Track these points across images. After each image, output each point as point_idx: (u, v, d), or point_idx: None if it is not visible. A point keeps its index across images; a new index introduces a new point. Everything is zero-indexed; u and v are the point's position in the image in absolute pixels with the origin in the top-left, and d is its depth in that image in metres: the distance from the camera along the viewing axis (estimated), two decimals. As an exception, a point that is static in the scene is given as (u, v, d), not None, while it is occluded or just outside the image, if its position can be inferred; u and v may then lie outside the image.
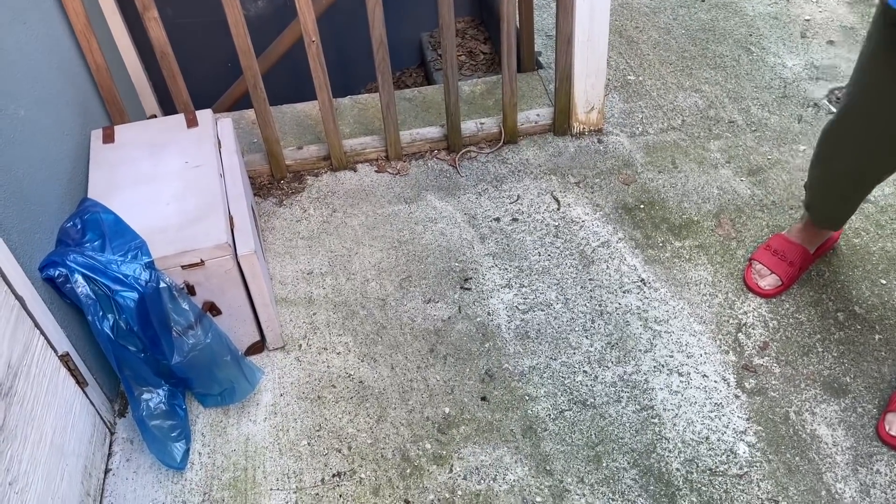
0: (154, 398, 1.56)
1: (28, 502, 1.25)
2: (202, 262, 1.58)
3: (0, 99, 1.46)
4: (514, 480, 1.55)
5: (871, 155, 1.58)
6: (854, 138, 1.59)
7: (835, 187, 1.73)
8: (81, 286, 1.45)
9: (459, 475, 1.57)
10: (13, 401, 1.26)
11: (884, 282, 1.89)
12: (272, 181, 2.27)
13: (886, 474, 1.53)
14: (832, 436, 1.60)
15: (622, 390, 1.70)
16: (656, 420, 1.64)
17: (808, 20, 2.84)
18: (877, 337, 1.78)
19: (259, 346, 1.79)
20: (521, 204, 2.16)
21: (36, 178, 1.53)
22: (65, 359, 1.47)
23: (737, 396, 1.67)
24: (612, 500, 1.51)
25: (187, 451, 1.59)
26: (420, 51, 3.49)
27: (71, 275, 1.44)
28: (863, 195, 1.71)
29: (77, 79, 1.90)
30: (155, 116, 2.52)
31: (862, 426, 1.61)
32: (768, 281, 1.87)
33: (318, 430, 1.65)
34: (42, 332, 1.40)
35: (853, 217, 2.01)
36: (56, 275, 1.44)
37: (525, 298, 1.90)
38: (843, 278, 1.91)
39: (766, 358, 1.75)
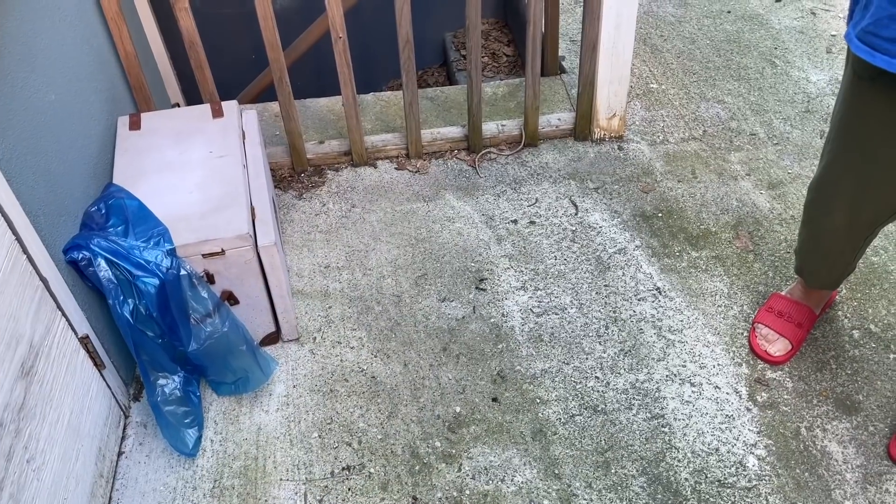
0: (169, 384, 1.58)
1: (44, 480, 1.27)
2: (223, 251, 1.59)
3: (33, 82, 1.48)
4: (522, 482, 1.56)
5: (861, 206, 1.50)
6: (842, 191, 1.51)
7: (827, 245, 1.63)
8: (104, 270, 1.46)
9: (468, 474, 1.57)
10: (33, 380, 1.28)
11: (901, 301, 1.88)
12: (293, 174, 2.28)
13: (896, 494, 1.53)
14: (843, 453, 1.60)
15: (633, 398, 1.70)
16: (667, 429, 1.64)
17: (834, 36, 2.82)
18: (891, 356, 1.77)
19: (274, 337, 1.81)
20: (539, 207, 2.17)
21: (63, 162, 1.55)
22: (84, 341, 1.49)
23: (748, 409, 1.67)
24: (620, 506, 1.52)
25: (200, 437, 1.61)
26: (443, 50, 3.50)
27: (94, 258, 1.46)
28: (856, 250, 1.62)
29: (106, 65, 1.93)
30: (178, 105, 2.54)
31: (873, 445, 1.61)
32: (777, 346, 1.76)
33: (329, 423, 1.66)
34: (64, 314, 1.42)
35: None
36: (80, 258, 1.46)
37: (540, 301, 1.91)
38: (859, 296, 1.90)
39: (779, 372, 1.75)
